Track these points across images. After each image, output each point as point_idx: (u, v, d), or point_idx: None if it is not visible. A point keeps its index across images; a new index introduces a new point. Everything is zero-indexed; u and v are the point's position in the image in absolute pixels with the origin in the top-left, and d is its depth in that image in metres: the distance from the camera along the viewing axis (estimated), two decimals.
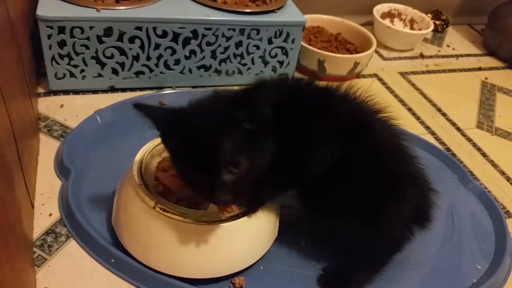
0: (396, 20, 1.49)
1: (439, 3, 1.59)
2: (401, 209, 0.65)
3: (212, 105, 0.58)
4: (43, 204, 0.75)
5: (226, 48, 1.03)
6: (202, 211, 0.66)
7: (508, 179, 1.00)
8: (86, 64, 0.96)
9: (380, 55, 1.38)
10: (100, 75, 0.98)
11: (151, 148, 0.72)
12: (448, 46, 1.51)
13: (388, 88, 1.23)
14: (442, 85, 1.30)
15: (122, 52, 0.96)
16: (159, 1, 0.99)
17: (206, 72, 1.06)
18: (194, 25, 0.97)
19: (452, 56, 1.46)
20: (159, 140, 0.73)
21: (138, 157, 0.70)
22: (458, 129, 1.13)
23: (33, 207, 0.74)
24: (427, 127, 1.12)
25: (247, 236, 0.66)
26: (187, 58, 1.02)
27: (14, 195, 0.59)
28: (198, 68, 1.05)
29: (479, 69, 1.41)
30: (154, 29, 0.95)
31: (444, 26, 1.57)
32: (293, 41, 1.07)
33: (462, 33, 1.62)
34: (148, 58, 0.99)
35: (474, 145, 1.09)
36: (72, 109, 0.95)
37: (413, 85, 1.27)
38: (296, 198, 0.69)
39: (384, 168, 0.63)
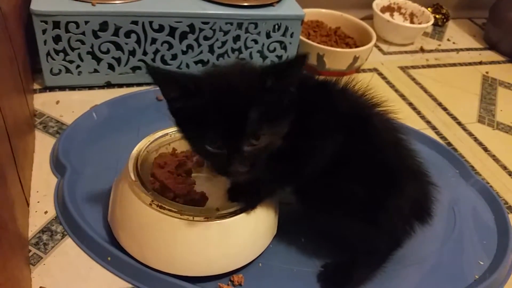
0: (396, 14, 1.47)
1: None
2: (400, 204, 0.64)
3: (240, 72, 0.55)
4: (38, 202, 0.74)
5: (223, 43, 1.02)
6: (199, 207, 0.65)
7: (510, 173, 0.99)
8: (81, 60, 0.95)
9: (380, 50, 1.37)
10: (96, 71, 0.97)
11: (147, 144, 0.71)
12: (448, 40, 1.50)
13: (388, 82, 1.22)
14: (442, 80, 1.28)
15: (118, 47, 0.95)
16: None
17: (203, 67, 1.04)
18: (191, 19, 0.95)
19: (452, 50, 1.45)
20: (155, 136, 0.72)
21: (134, 153, 0.69)
22: (459, 123, 1.12)
23: (28, 204, 0.73)
24: (428, 122, 1.11)
25: (246, 233, 0.65)
26: (184, 53, 1.00)
27: (7, 192, 0.58)
28: (196, 63, 1.03)
29: (480, 63, 1.40)
30: (150, 23, 0.93)
31: (444, 20, 1.56)
32: (291, 35, 1.06)
33: (462, 27, 1.60)
34: (145, 53, 0.98)
35: (476, 139, 1.08)
36: (68, 105, 0.93)
37: (413, 79, 1.26)
38: (295, 194, 0.68)
39: (383, 162, 0.62)
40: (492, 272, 0.74)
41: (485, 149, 1.05)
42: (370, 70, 1.26)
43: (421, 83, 1.25)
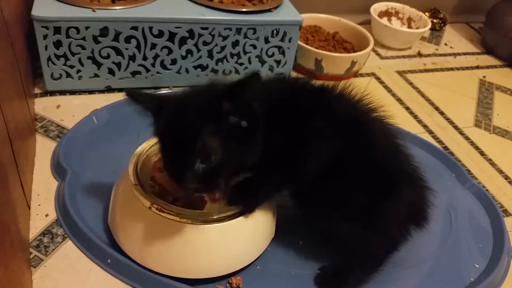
0: (393, 18, 1.48)
1: (437, 2, 1.59)
2: (397, 208, 0.65)
3: (202, 94, 0.58)
4: (39, 205, 0.75)
5: (222, 48, 1.03)
6: (198, 211, 0.66)
7: (506, 177, 1.00)
8: (82, 64, 0.95)
9: (378, 54, 1.38)
10: (96, 75, 0.98)
11: (147, 148, 0.72)
12: (446, 44, 1.51)
13: (386, 87, 1.23)
14: (439, 84, 1.30)
15: (118, 52, 0.96)
16: (154, 0, 0.99)
17: (202, 72, 1.05)
18: (190, 25, 0.97)
19: (450, 54, 1.46)
20: (155, 140, 0.73)
21: (134, 157, 0.69)
22: (456, 127, 1.13)
23: (29, 207, 0.74)
24: (425, 126, 1.11)
25: (244, 235, 0.66)
26: (183, 57, 1.01)
27: (8, 195, 0.59)
28: (195, 67, 1.04)
29: (477, 67, 1.41)
30: (150, 28, 0.94)
31: (442, 25, 1.57)
32: (290, 40, 1.07)
33: (460, 31, 1.62)
34: (145, 58, 0.99)
35: (472, 143, 1.09)
36: (68, 110, 0.94)
37: (410, 83, 1.27)
38: (292, 197, 0.69)
39: (379, 167, 0.63)
40: (487, 275, 0.75)
41: (482, 153, 1.06)
42: (368, 74, 1.27)
43: (419, 87, 1.26)
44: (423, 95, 1.23)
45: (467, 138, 1.10)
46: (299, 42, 1.13)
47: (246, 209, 0.65)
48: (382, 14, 1.46)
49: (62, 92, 0.98)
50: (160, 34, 0.96)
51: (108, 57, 0.96)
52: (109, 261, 0.67)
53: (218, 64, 1.05)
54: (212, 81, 0.60)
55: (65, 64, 0.95)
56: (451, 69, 1.38)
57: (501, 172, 1.01)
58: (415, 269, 0.75)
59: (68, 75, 0.96)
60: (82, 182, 0.78)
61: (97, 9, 0.91)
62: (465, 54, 1.48)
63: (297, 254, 0.73)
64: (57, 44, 0.91)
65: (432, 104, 1.20)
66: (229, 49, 1.03)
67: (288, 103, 0.61)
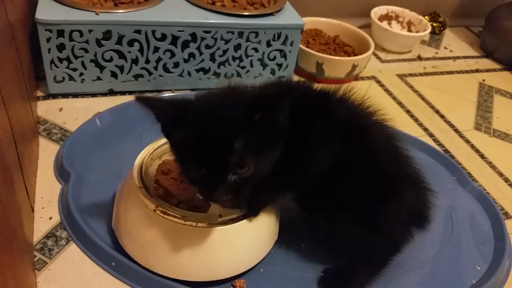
0: (393, 22, 1.49)
1: (437, 6, 1.59)
2: (398, 211, 0.66)
3: (229, 101, 0.56)
4: (43, 208, 0.75)
5: (225, 51, 1.03)
6: (203, 213, 0.66)
7: (506, 180, 1.01)
8: (85, 68, 0.96)
9: (378, 58, 1.39)
10: (99, 78, 0.99)
11: (151, 151, 0.72)
12: (445, 48, 1.52)
13: (386, 90, 1.24)
14: (440, 87, 1.30)
15: (121, 55, 0.96)
16: (157, 4, 0.99)
17: (205, 75, 1.06)
18: (193, 28, 0.97)
19: (449, 58, 1.47)
20: (159, 143, 0.73)
21: (138, 160, 0.70)
22: (456, 130, 1.14)
23: (33, 210, 0.74)
24: (425, 129, 1.12)
25: (248, 238, 0.66)
26: (186, 61, 1.02)
27: (15, 198, 0.59)
28: (197, 71, 1.05)
29: (477, 71, 1.42)
30: (153, 32, 0.95)
31: (442, 28, 1.58)
32: (291, 44, 1.08)
33: (459, 35, 1.63)
34: (147, 61, 0.99)
35: (472, 146, 1.09)
36: (71, 113, 0.95)
37: (411, 87, 1.28)
38: (295, 201, 0.69)
39: (381, 170, 0.63)
40: (489, 277, 0.75)
41: (482, 156, 1.07)
42: (368, 78, 1.28)
43: (419, 90, 1.26)
44: (423, 98, 1.23)
45: (467, 141, 1.11)
46: (301, 46, 1.13)
47: (250, 212, 0.65)
48: (382, 18, 1.47)
49: (65, 95, 0.99)
50: (163, 37, 0.96)
51: (111, 60, 0.96)
52: (113, 264, 0.67)
53: (220, 67, 1.06)
54: (233, 86, 0.59)
55: (68, 67, 0.95)
56: (451, 72, 1.39)
57: (501, 175, 1.02)
58: (417, 271, 0.76)
59: (71, 78, 0.97)
60: (85, 184, 0.78)
61: (100, 12, 0.92)
62: (464, 57, 1.49)
63: (301, 257, 0.74)
64: (60, 47, 0.92)
65: (432, 107, 1.21)
66: (231, 52, 1.04)
67: (291, 108, 0.62)
